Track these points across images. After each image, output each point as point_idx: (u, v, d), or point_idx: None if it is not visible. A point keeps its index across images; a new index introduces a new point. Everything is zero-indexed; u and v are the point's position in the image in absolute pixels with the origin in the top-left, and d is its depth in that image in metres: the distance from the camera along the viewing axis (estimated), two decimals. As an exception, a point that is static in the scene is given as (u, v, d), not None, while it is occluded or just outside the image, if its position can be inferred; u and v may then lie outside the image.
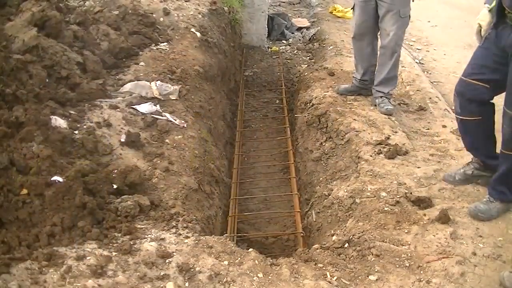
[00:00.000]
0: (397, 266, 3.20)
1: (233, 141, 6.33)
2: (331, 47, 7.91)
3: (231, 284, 2.92)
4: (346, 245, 3.46)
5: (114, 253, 2.99)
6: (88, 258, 2.89)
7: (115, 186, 3.56)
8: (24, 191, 3.12)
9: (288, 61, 8.71)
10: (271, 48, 9.29)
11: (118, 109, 4.39)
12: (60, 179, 3.23)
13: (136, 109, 4.53)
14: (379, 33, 5.22)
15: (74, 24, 5.07)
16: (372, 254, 3.31)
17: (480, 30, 3.56)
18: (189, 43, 5.95)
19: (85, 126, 3.98)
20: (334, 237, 3.68)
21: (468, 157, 4.34)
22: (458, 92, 3.77)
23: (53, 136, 3.55)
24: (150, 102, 4.67)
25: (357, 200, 3.98)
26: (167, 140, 4.35)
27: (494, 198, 3.68)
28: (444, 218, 3.56)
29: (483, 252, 3.34)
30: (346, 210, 4.01)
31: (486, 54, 3.54)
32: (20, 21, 4.34)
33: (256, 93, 7.95)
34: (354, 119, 5.05)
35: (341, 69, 6.52)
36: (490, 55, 3.51)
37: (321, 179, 4.91)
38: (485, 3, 3.52)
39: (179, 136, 4.45)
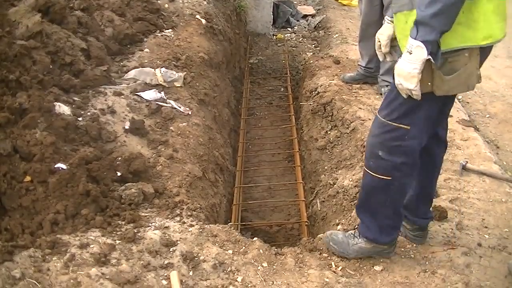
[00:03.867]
0: (402, 256, 3.18)
1: (238, 128, 6.31)
2: (336, 35, 7.86)
3: (235, 273, 2.91)
4: (351, 234, 3.45)
5: (117, 241, 2.98)
6: (91, 246, 2.88)
7: (119, 174, 3.55)
8: (28, 178, 3.11)
9: (293, 48, 8.67)
10: (276, 35, 9.25)
11: (122, 96, 4.37)
12: (63, 166, 3.21)
13: (141, 96, 4.50)
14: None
15: (78, 10, 5.03)
16: (377, 244, 3.29)
17: (380, 45, 2.94)
18: (194, 30, 5.91)
19: (89, 113, 3.95)
20: (339, 227, 3.67)
21: (474, 148, 4.33)
22: None
23: (57, 123, 3.53)
24: (154, 89, 4.64)
25: (362, 190, 3.95)
26: (171, 128, 4.32)
27: (359, 233, 3.08)
28: (440, 215, 3.53)
29: (489, 243, 3.32)
30: (351, 200, 3.99)
31: None
32: (23, 7, 4.30)
33: (261, 81, 7.93)
34: (360, 108, 5.01)
35: (347, 57, 6.47)
36: None
37: (326, 168, 4.89)
38: (385, 15, 2.87)
39: (184, 124, 4.43)
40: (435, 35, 2.25)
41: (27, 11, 4.25)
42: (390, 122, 2.64)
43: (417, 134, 2.65)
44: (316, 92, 5.72)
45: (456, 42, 2.34)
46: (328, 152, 5.03)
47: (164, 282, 2.78)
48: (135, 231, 3.07)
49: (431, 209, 3.32)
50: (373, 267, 3.09)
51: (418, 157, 2.77)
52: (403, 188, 2.87)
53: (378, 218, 2.97)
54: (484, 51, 2.42)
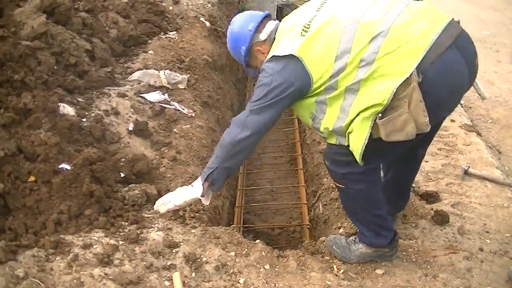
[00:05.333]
0: (404, 260, 3.18)
1: (240, 131, 6.29)
2: (340, 38, 7.84)
3: (237, 275, 2.92)
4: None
5: (121, 242, 2.99)
6: (94, 246, 2.89)
7: (122, 175, 3.56)
8: (32, 178, 3.13)
9: (297, 51, 8.66)
10: (279, 38, 9.24)
11: (126, 97, 4.38)
12: (67, 166, 3.23)
13: (144, 98, 4.51)
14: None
15: (83, 11, 5.06)
16: (379, 248, 3.29)
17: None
18: (198, 32, 5.92)
19: (93, 114, 3.97)
20: (341, 230, 3.66)
21: (476, 153, 4.33)
22: None
23: (61, 124, 3.55)
24: (158, 91, 4.66)
25: (365, 193, 3.95)
26: (175, 129, 4.34)
27: (358, 239, 3.13)
28: (441, 219, 3.54)
29: (490, 248, 3.32)
30: (353, 203, 3.99)
31: None
32: (29, 7, 4.31)
33: (264, 84, 7.89)
34: (363, 112, 5.00)
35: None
36: None
37: (328, 171, 4.88)
38: None
39: (187, 126, 4.44)
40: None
41: (32, 12, 4.27)
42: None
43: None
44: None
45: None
46: (331, 156, 5.02)
47: (167, 283, 2.79)
48: (138, 232, 3.08)
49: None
50: (374, 270, 3.10)
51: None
52: (365, 195, 2.86)
53: (364, 222, 3.03)
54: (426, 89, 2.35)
